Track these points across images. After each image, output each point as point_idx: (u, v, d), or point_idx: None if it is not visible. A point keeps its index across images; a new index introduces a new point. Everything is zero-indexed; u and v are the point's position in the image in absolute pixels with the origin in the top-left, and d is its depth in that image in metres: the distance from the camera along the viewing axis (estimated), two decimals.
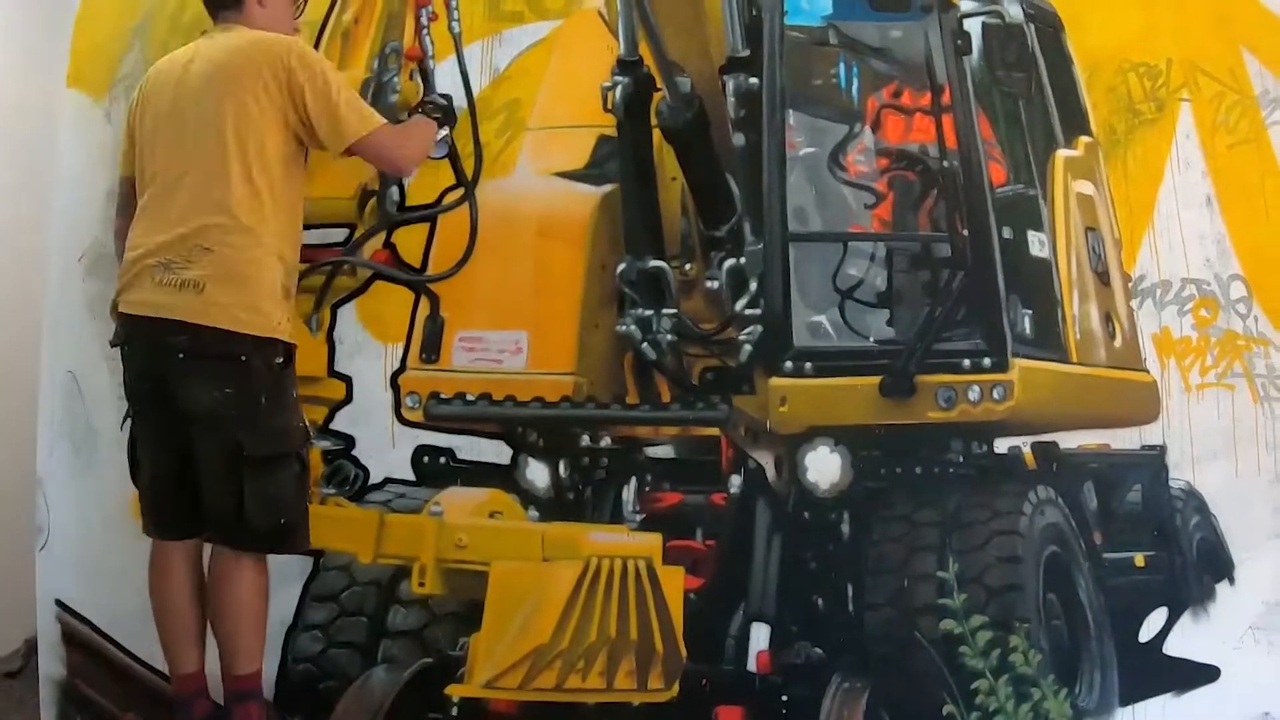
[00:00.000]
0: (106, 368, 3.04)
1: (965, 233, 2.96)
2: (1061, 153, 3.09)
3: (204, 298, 2.47)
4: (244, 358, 2.50)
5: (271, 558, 2.85)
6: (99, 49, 3.12)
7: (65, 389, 3.05)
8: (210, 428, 2.51)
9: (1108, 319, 3.06)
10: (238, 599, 2.62)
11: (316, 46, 3.08)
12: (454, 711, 2.86)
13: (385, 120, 2.67)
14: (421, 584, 2.88)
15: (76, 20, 3.15)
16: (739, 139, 2.99)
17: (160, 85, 2.63)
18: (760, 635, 2.92)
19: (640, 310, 3.02)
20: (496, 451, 2.98)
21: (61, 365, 3.06)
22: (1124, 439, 3.04)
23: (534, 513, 2.98)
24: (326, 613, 2.98)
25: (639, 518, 3.00)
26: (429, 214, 3.05)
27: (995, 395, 2.90)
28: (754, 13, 2.98)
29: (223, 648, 2.64)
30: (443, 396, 2.99)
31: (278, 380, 2.57)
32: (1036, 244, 3.03)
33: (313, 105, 2.56)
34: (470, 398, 2.97)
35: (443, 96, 2.94)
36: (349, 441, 3.00)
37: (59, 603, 3.02)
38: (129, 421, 2.67)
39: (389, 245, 3.05)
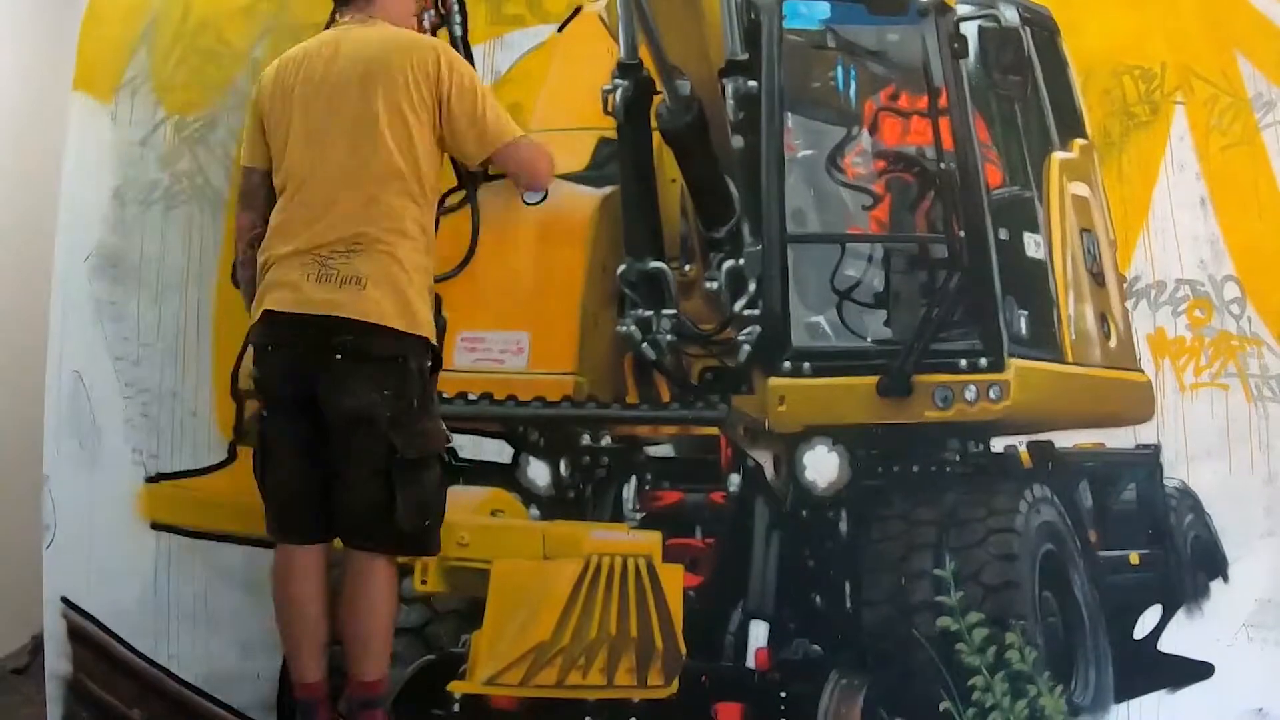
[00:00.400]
0: (112, 367, 3.05)
1: (962, 234, 2.97)
2: (1057, 155, 3.09)
3: (367, 295, 2.40)
4: (402, 359, 2.44)
5: (271, 555, 2.87)
6: (106, 52, 3.12)
7: (71, 388, 3.05)
8: (365, 429, 2.41)
9: (1103, 319, 3.06)
10: (374, 602, 2.50)
11: None
12: (456, 708, 2.86)
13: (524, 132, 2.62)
14: (424, 581, 2.89)
15: (83, 23, 3.14)
16: (738, 141, 3.00)
17: (303, 78, 2.53)
18: (759, 632, 2.93)
19: (640, 311, 3.02)
20: (498, 450, 2.99)
21: (68, 364, 3.06)
22: (1119, 438, 3.05)
23: (535, 511, 2.98)
24: None
25: (639, 516, 3.01)
26: None
27: (992, 395, 2.91)
28: (752, 17, 3.00)
29: (353, 654, 2.52)
30: (445, 396, 2.99)
31: (427, 383, 2.51)
32: (1032, 245, 3.04)
33: (458, 111, 2.50)
34: (472, 397, 2.97)
35: None
36: None
37: (65, 600, 3.02)
38: (262, 421, 2.55)
39: None
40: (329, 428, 2.45)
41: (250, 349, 2.59)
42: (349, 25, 2.60)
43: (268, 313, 2.46)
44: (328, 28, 2.68)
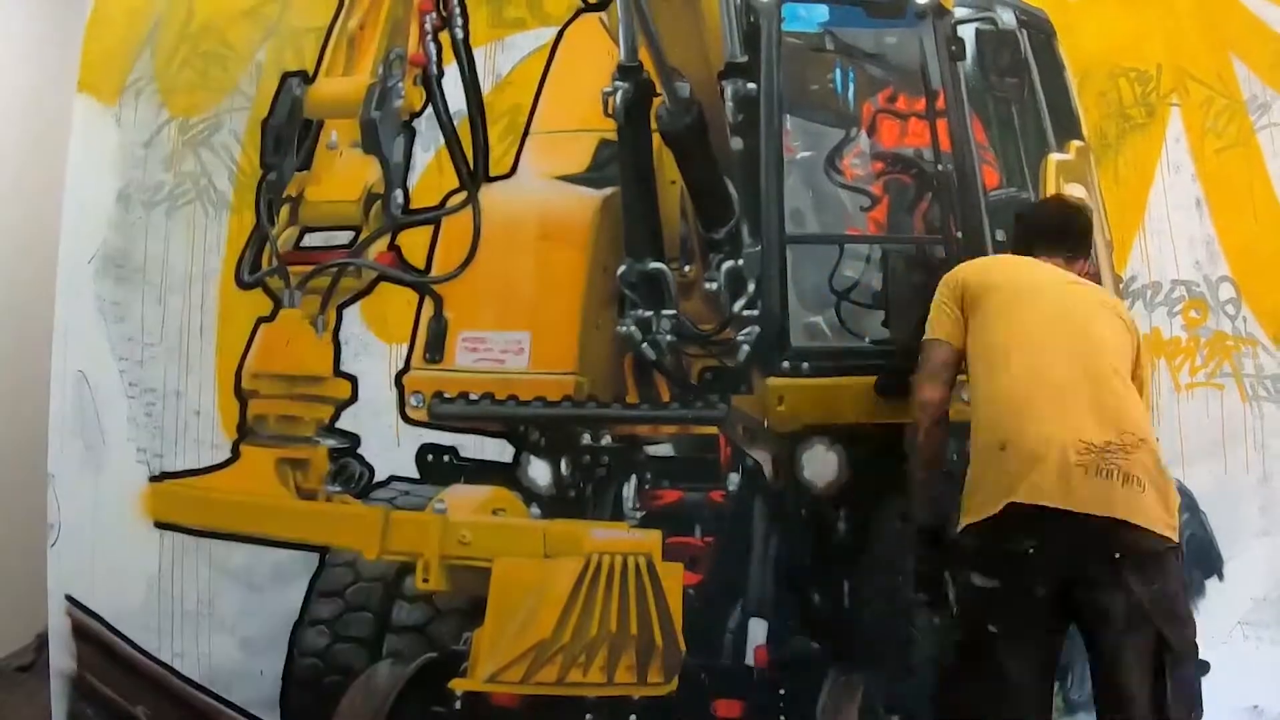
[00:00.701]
0: (116, 367, 3.05)
1: (959, 235, 2.99)
2: (1054, 156, 3.09)
3: (1146, 498, 2.30)
4: (1169, 553, 2.32)
5: (273, 553, 2.89)
6: (110, 55, 3.12)
7: (76, 388, 3.06)
8: (1137, 624, 2.28)
9: None
10: None
11: (322, 53, 3.09)
12: (457, 705, 2.87)
13: None
14: (425, 580, 2.90)
15: (88, 26, 3.14)
16: (737, 143, 3.00)
17: (1025, 286, 2.54)
18: (758, 630, 2.94)
19: (640, 311, 3.02)
20: (499, 450, 2.98)
21: (72, 365, 3.06)
22: None
23: (536, 510, 2.98)
24: (332, 608, 2.98)
25: (639, 515, 3.00)
26: (433, 217, 3.05)
27: None
28: (752, 19, 3.00)
29: None
30: (446, 396, 3.00)
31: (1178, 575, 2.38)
32: None
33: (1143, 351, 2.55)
34: (473, 397, 2.97)
35: None
36: (355, 440, 3.00)
37: (70, 598, 3.02)
38: (991, 632, 2.34)
39: (394, 247, 3.05)
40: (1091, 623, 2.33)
41: None
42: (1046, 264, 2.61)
43: (1036, 507, 2.29)
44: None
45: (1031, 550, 2.30)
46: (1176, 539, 2.35)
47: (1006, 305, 2.51)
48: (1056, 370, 2.39)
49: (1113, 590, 2.28)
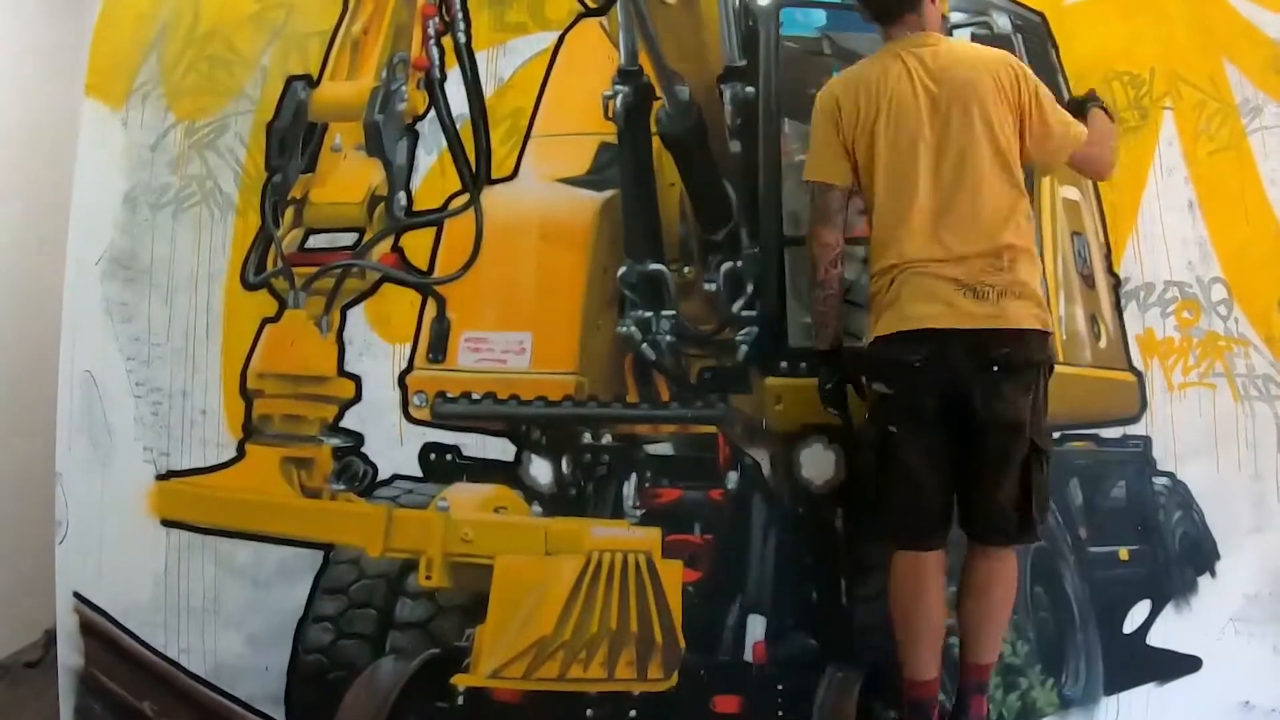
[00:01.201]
0: (123, 367, 3.06)
1: None
2: None
3: (1022, 303, 2.49)
4: (1043, 363, 2.55)
5: (278, 550, 2.90)
6: (117, 60, 3.12)
7: (83, 388, 3.06)
8: (1015, 434, 2.50)
9: (1093, 321, 3.07)
10: (1010, 592, 2.62)
11: (326, 57, 3.10)
12: (460, 701, 2.88)
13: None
14: (428, 577, 2.91)
15: (95, 32, 3.15)
16: (735, 146, 3.01)
17: (892, 104, 2.57)
18: (756, 626, 2.94)
19: (640, 312, 3.03)
20: (501, 449, 2.99)
21: (80, 365, 3.07)
22: (1110, 434, 3.05)
23: (537, 508, 2.99)
24: (336, 605, 2.98)
25: (639, 513, 3.01)
26: (436, 218, 3.05)
27: None
28: (750, 24, 3.00)
29: (986, 641, 2.63)
30: (449, 395, 3.00)
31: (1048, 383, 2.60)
32: None
33: (1040, 117, 2.57)
34: (476, 396, 2.98)
35: None
36: (358, 439, 3.01)
37: (77, 595, 3.03)
38: (889, 439, 2.56)
39: (397, 249, 3.05)
40: (970, 435, 2.52)
41: (873, 362, 2.64)
42: (910, 47, 2.62)
43: (915, 331, 2.51)
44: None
45: (918, 363, 2.51)
46: (1049, 328, 2.55)
47: (879, 128, 2.57)
48: (927, 192, 2.53)
49: (992, 401, 2.48)
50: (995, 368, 2.49)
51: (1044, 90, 2.61)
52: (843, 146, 2.63)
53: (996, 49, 2.66)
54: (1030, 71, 2.62)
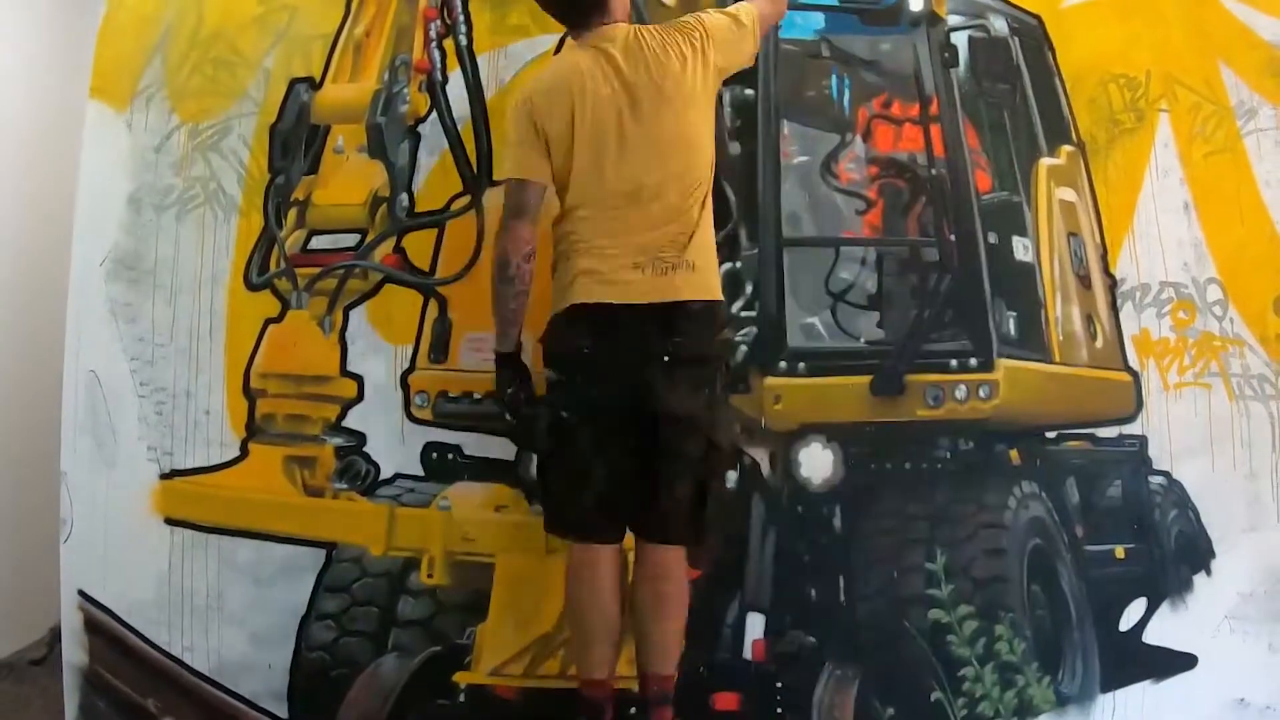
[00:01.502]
0: (127, 367, 3.06)
1: (952, 238, 2.99)
2: (1045, 161, 3.10)
3: (696, 276, 2.51)
4: (716, 358, 2.57)
5: (281, 549, 2.90)
6: (121, 63, 3.12)
7: (88, 388, 3.07)
8: (688, 428, 2.48)
9: (1089, 321, 3.07)
10: (682, 594, 2.55)
11: (329, 60, 3.10)
12: (461, 698, 2.89)
13: None
14: (430, 575, 2.92)
15: (99, 35, 3.15)
16: (735, 148, 3.01)
17: (586, 98, 2.55)
18: (755, 624, 2.94)
19: None
20: (502, 448, 2.99)
21: (84, 365, 3.07)
22: (1106, 433, 3.06)
23: (538, 507, 2.98)
24: (339, 603, 2.99)
25: None
26: (437, 220, 3.06)
27: (981, 394, 2.92)
28: None
29: (656, 648, 2.53)
30: (450, 395, 3.00)
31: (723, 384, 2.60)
32: (1021, 249, 3.05)
33: (721, 44, 2.60)
34: (477, 396, 2.98)
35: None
36: (360, 438, 3.01)
37: (82, 593, 3.03)
38: (561, 424, 2.54)
39: (399, 250, 3.05)
40: (647, 428, 2.46)
41: (551, 346, 2.60)
42: (599, 43, 2.59)
43: (593, 307, 2.50)
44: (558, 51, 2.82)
45: (587, 350, 2.49)
46: (718, 296, 2.56)
47: (576, 122, 2.53)
48: (616, 177, 2.51)
49: (664, 393, 2.44)
50: (665, 358, 2.47)
51: (712, 21, 2.62)
52: (542, 143, 2.58)
53: (678, 21, 2.65)
54: (700, 17, 2.63)
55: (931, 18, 3.00)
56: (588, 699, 2.53)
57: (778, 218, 2.99)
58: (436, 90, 3.07)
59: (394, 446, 3.00)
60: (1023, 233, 3.05)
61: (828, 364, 2.96)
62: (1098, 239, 3.08)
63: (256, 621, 2.98)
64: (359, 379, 3.02)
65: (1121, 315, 3.06)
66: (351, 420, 3.01)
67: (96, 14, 3.17)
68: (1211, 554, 3.02)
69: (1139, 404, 3.02)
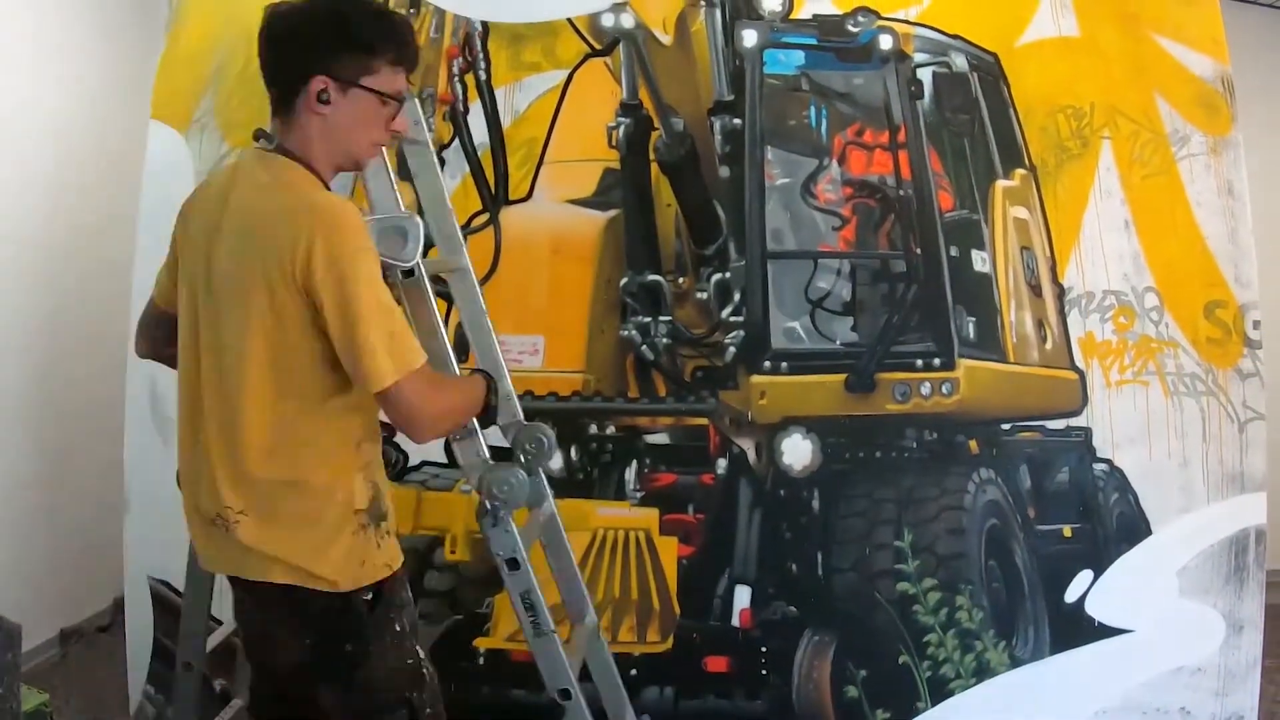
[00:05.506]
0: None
1: (918, 251, 3.01)
2: (1000, 183, 3.11)
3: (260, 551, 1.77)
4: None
5: None
6: (178, 92, 3.14)
7: (147, 383, 3.08)
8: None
9: (1040, 325, 3.08)
10: None
11: None
12: (480, 661, 2.90)
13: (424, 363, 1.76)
14: (453, 552, 2.93)
15: (160, 63, 3.17)
16: (724, 171, 3.03)
17: (199, 230, 1.77)
18: (743, 596, 2.96)
19: (640, 317, 3.05)
20: None
21: (145, 363, 3.07)
22: (1055, 425, 3.06)
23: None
24: None
25: (639, 495, 3.03)
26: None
27: (944, 390, 2.94)
28: (737, 63, 3.02)
29: None
30: None
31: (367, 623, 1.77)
32: (979, 261, 3.07)
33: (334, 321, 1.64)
34: None
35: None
36: (390, 430, 3.01)
37: (143, 568, 3.04)
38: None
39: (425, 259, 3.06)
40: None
41: None
42: (254, 163, 1.75)
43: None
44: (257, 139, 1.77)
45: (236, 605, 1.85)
46: (344, 588, 1.71)
47: (181, 260, 1.80)
48: (191, 406, 1.83)
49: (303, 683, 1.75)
50: None
51: (356, 277, 1.60)
52: (174, 260, 1.86)
53: (320, 198, 1.68)
54: (341, 242, 1.61)
55: (900, 55, 3.02)
56: None
57: (763, 233, 3.01)
58: (459, 119, 3.09)
59: None
60: (981, 246, 3.07)
61: (807, 364, 2.98)
62: (1048, 252, 3.09)
63: None
64: None
65: (1069, 320, 3.07)
66: (383, 415, 3.01)
67: (142, 27, 3.17)
68: (1149, 533, 3.03)
69: (1084, 399, 3.04)
